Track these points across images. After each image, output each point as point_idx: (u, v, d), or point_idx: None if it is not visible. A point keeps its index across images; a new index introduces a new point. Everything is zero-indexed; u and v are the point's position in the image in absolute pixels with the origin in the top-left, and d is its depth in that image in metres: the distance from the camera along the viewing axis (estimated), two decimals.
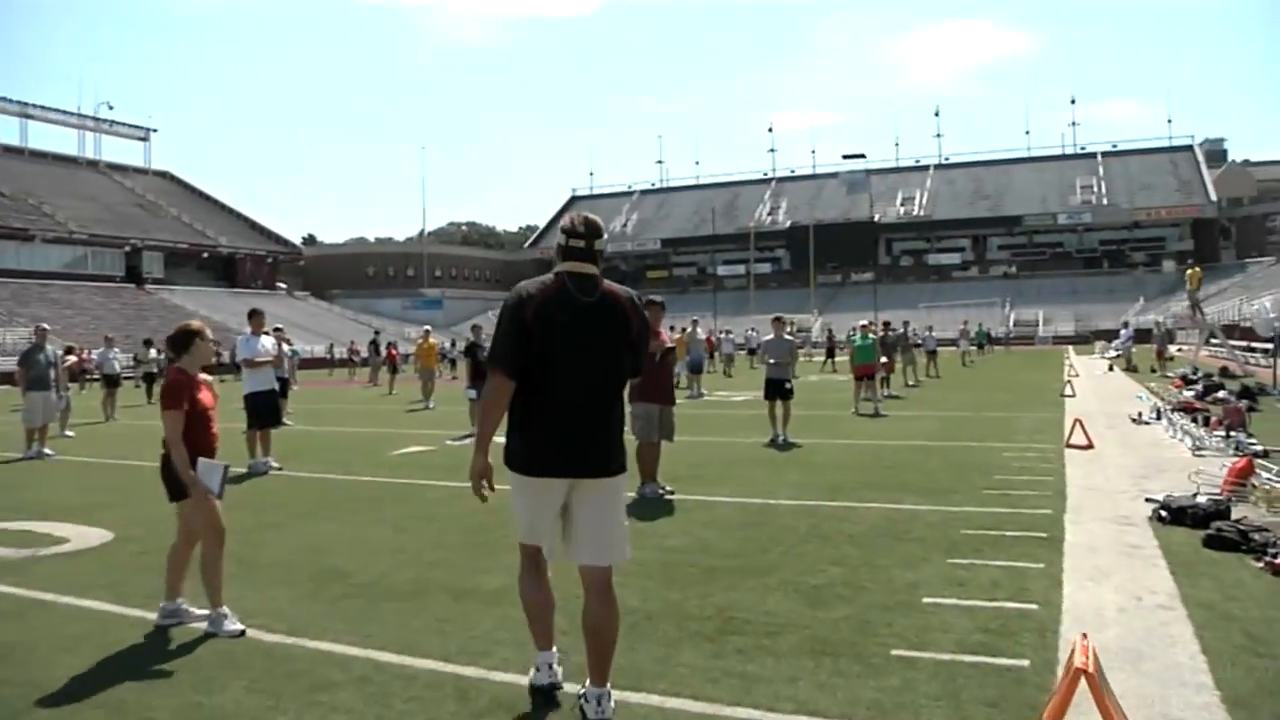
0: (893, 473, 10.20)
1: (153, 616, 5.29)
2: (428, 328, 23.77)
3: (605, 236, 4.09)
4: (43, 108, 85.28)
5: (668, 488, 9.08)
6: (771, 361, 13.66)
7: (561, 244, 4.00)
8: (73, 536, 7.57)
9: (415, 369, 22.64)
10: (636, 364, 4.06)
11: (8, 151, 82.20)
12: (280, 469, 11.19)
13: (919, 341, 29.33)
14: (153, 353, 26.06)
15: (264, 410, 11.17)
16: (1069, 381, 21.56)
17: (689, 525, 7.66)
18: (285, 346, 17.84)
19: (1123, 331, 33.71)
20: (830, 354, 38.10)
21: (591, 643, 3.84)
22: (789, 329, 14.48)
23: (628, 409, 4.47)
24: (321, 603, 5.62)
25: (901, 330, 26.37)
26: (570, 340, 3.81)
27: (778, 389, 13.48)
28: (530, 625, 4.11)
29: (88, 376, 26.28)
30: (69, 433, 16.50)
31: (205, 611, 5.14)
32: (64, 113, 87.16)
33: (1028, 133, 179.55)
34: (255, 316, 11.31)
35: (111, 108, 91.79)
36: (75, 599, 5.76)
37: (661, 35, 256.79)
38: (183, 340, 5.43)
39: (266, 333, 11.94)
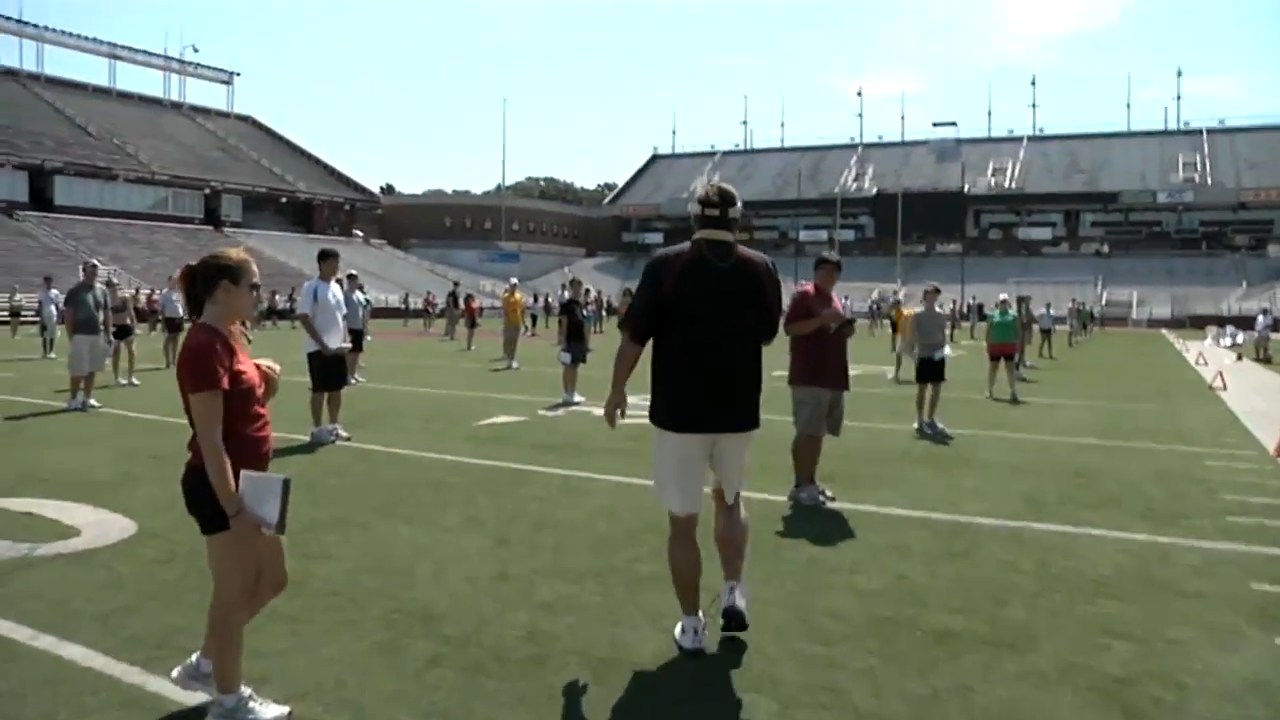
0: (1090, 483, 8.24)
1: (156, 684, 3.60)
2: (514, 280, 21.90)
3: (740, 204, 4.20)
4: (130, 49, 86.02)
5: (828, 492, 7.25)
6: (923, 339, 11.75)
7: (697, 213, 4.16)
8: (85, 526, 5.98)
9: (503, 323, 20.90)
10: (771, 328, 4.29)
11: (96, 91, 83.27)
12: (349, 439, 9.57)
13: (1034, 319, 26.91)
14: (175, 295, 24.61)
15: (330, 371, 9.52)
16: (1219, 374, 19.16)
17: (875, 554, 5.82)
18: (358, 295, 16.32)
19: (1260, 319, 30.73)
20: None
21: (724, 550, 4.27)
22: (939, 301, 12.49)
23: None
24: (399, 674, 3.86)
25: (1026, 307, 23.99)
26: (709, 304, 4.02)
27: (931, 369, 11.55)
28: (678, 590, 4.17)
29: (157, 318, 25.19)
30: (135, 380, 15.13)
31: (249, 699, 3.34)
32: (150, 54, 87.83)
33: (1128, 106, 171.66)
34: (326, 260, 9.58)
35: (196, 50, 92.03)
36: (55, 641, 4.08)
37: None
38: (211, 276, 3.39)
39: (339, 280, 10.60)
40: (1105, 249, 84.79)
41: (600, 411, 4.56)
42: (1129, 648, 4.28)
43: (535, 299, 41.24)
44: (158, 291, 45.71)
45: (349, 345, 9.61)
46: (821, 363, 7.14)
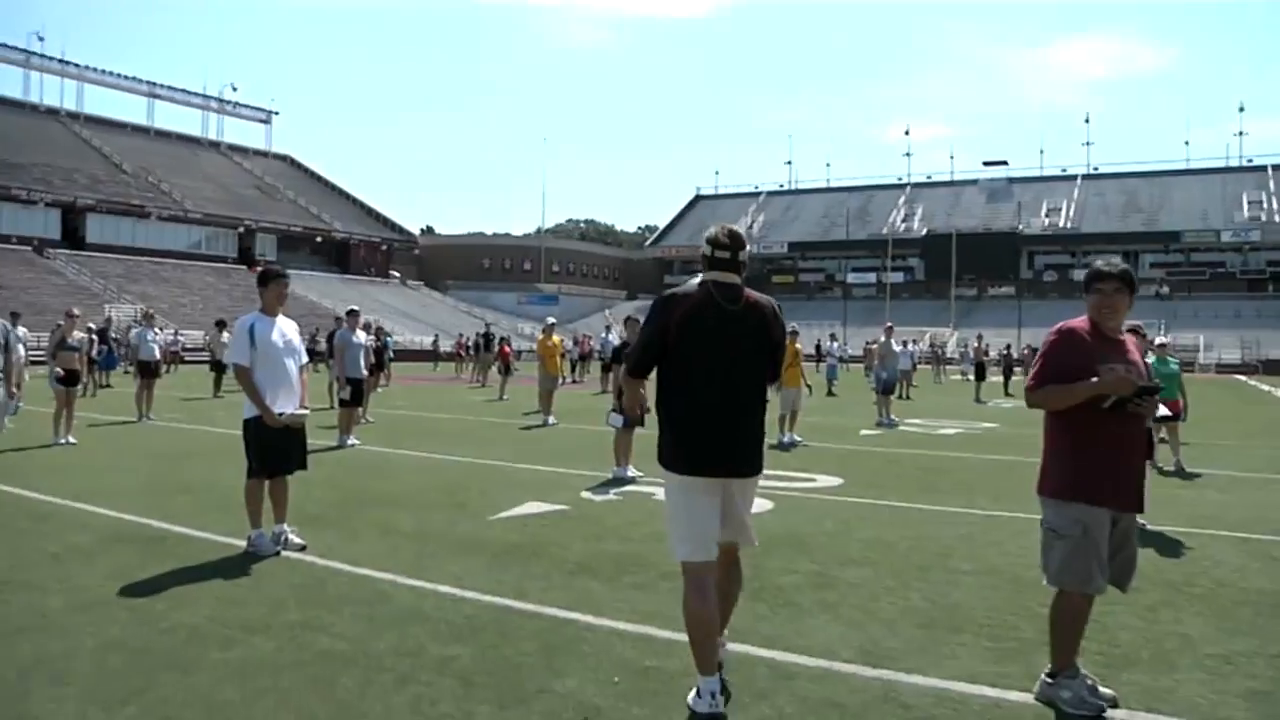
0: None
1: None
2: (551, 320, 18.46)
3: (749, 248, 4.22)
4: (169, 88, 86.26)
5: (1103, 690, 4.06)
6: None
7: (707, 254, 4.10)
8: None
9: (538, 371, 17.65)
10: (775, 370, 4.23)
11: (134, 130, 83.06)
12: (303, 547, 6.48)
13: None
14: (225, 336, 21.19)
15: (276, 448, 6.35)
16: None
17: None
18: (360, 335, 13.56)
19: None
20: (1007, 373, 31.81)
21: (721, 603, 4.12)
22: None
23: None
24: None
25: None
26: (718, 346, 3.97)
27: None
28: (695, 648, 3.93)
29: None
30: (72, 438, 12.31)
31: None
32: (189, 93, 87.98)
33: (1186, 144, 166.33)
34: (269, 284, 6.63)
35: (235, 89, 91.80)
36: None
37: (786, 38, 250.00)
38: None
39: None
40: (1166, 290, 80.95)
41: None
42: None
43: (575, 343, 38.16)
44: (179, 333, 43.73)
45: (305, 411, 6.56)
46: (1099, 461, 4.00)
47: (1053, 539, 4.05)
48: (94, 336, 23.98)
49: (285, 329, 6.65)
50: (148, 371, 15.87)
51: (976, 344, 28.58)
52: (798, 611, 5.34)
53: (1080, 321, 4.16)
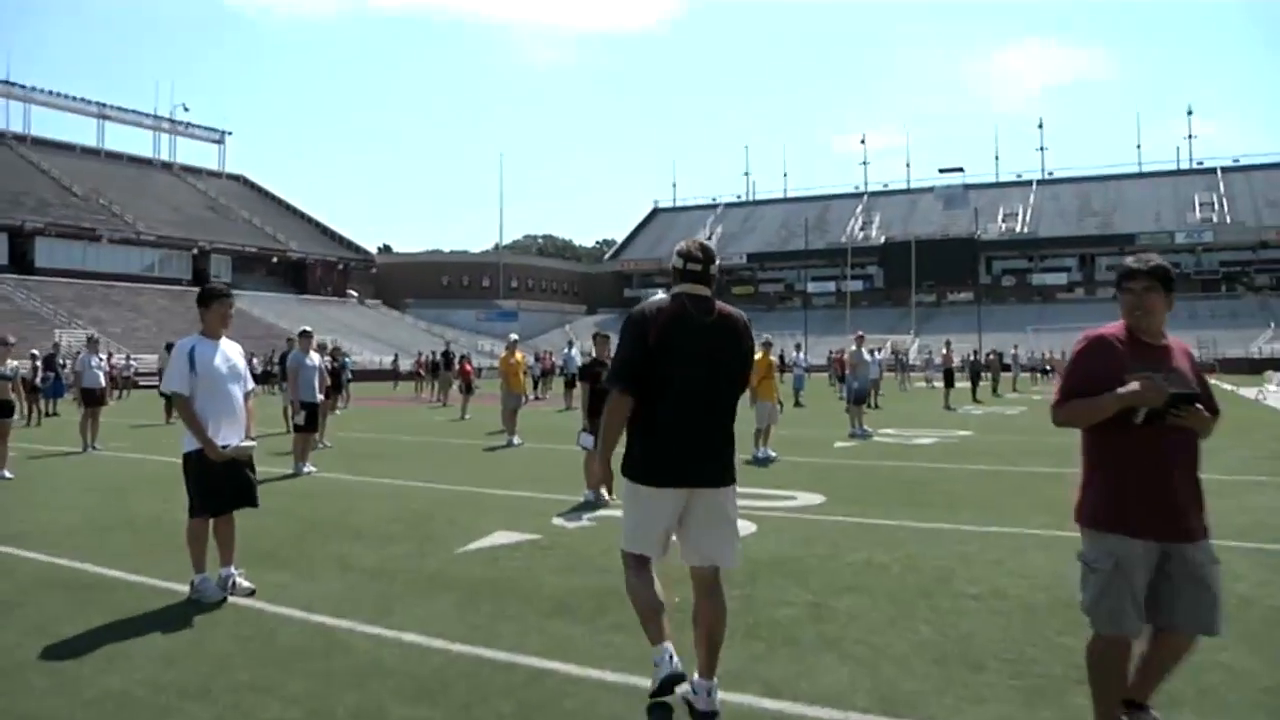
0: None
1: None
2: (514, 337, 17.87)
3: (719, 261, 4.29)
4: (119, 109, 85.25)
5: None
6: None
7: (679, 267, 4.15)
8: None
9: (500, 390, 17.05)
10: (743, 382, 4.23)
11: (84, 152, 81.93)
12: (251, 591, 5.93)
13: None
14: None
15: (219, 484, 5.79)
16: None
17: None
18: (314, 357, 12.99)
19: None
20: (974, 378, 31.61)
21: (702, 638, 4.05)
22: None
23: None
24: None
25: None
26: (691, 358, 3.99)
27: None
28: (644, 624, 4.10)
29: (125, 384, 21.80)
30: (7, 473, 11.60)
31: None
32: (140, 114, 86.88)
33: (1138, 148, 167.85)
34: (210, 303, 6.10)
35: (187, 109, 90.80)
36: None
37: (740, 48, 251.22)
38: None
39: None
40: None
41: None
42: None
43: (536, 359, 37.58)
44: (132, 358, 42.65)
45: (251, 443, 6.01)
46: (1135, 485, 3.55)
47: (1085, 572, 3.61)
48: (38, 364, 23.15)
49: (229, 352, 6.10)
50: (92, 399, 15.13)
51: (945, 350, 28.34)
52: (799, 650, 4.88)
53: (1113, 327, 3.71)
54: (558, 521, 8.52)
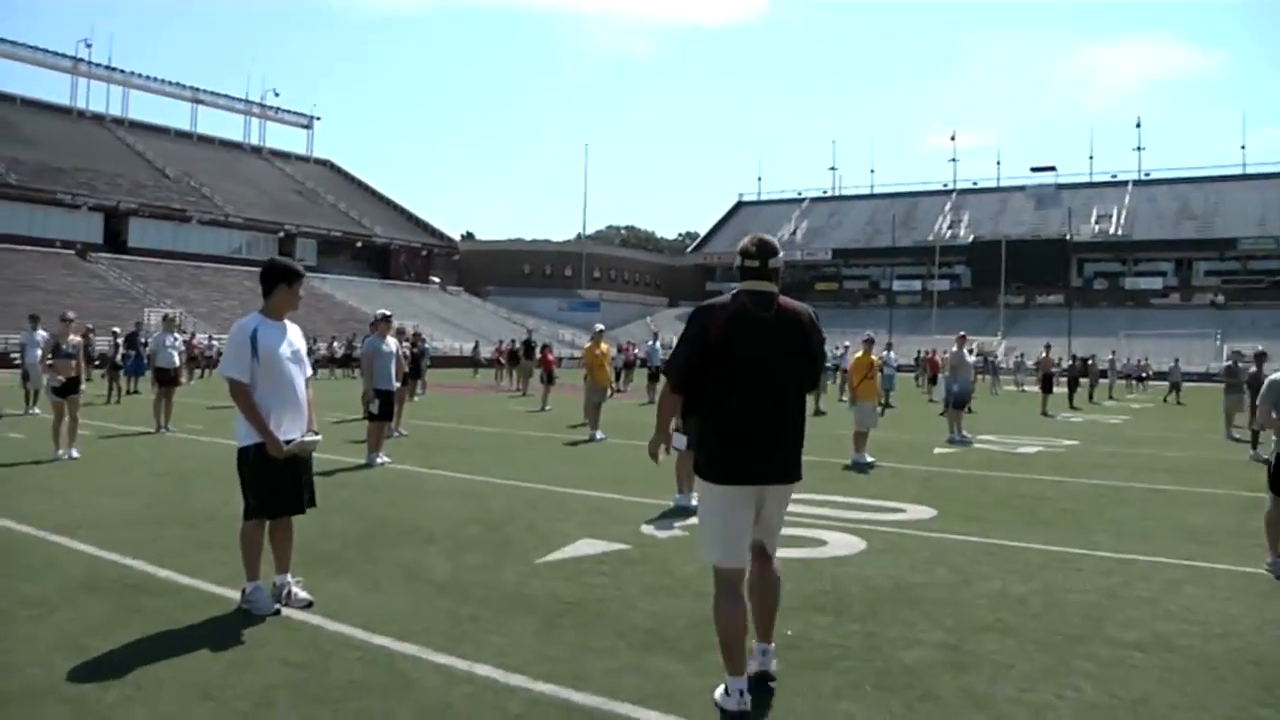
0: None
1: None
2: (600, 327, 16.87)
3: (781, 254, 4.19)
4: (212, 93, 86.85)
5: None
6: None
7: (739, 265, 4.16)
8: None
9: (585, 382, 16.35)
10: (814, 376, 4.26)
11: (177, 135, 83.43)
12: (309, 603, 5.31)
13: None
14: None
15: (280, 483, 5.22)
16: None
17: None
18: (390, 342, 12.46)
19: None
20: (1073, 385, 30.09)
21: (755, 608, 4.19)
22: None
23: None
24: None
25: (1237, 363, 19.00)
26: (754, 354, 3.99)
27: None
28: (725, 650, 3.99)
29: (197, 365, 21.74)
30: (75, 452, 11.26)
31: None
32: (232, 99, 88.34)
33: (1243, 148, 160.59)
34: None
35: (278, 94, 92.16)
36: None
37: (829, 44, 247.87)
38: None
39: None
40: (1221, 299, 78.51)
41: None
42: None
43: (619, 350, 36.95)
44: (214, 338, 43.04)
45: (317, 437, 5.39)
46: None
47: None
48: (119, 342, 23.19)
49: (293, 336, 5.48)
50: (166, 379, 14.80)
51: (1044, 354, 26.96)
52: (942, 709, 4.07)
53: None
54: (647, 529, 7.79)
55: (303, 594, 5.32)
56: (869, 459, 12.79)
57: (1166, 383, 36.41)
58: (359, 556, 6.52)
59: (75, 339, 11.60)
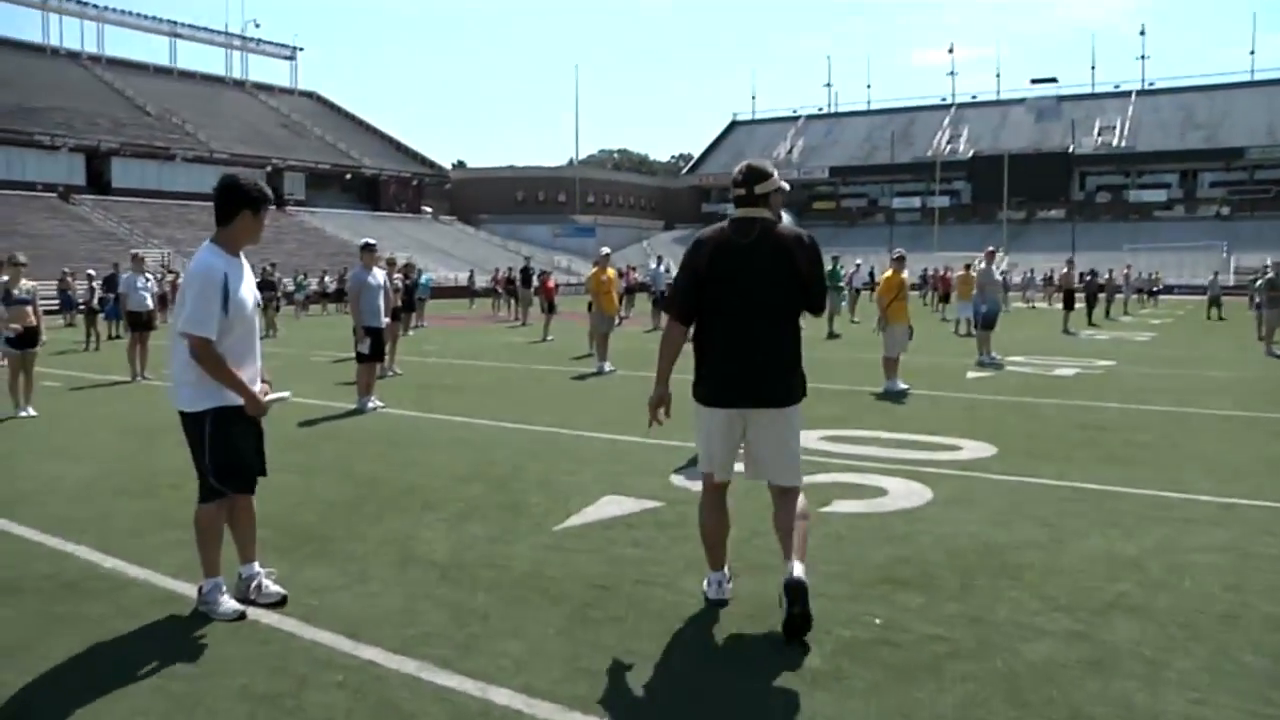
0: None
1: None
2: (606, 251, 15.93)
3: (774, 177, 4.13)
4: (191, 27, 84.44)
5: None
6: None
7: (731, 196, 4.21)
8: None
9: (590, 310, 15.24)
10: (811, 300, 4.14)
11: (156, 71, 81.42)
12: (280, 600, 4.34)
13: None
14: None
15: (248, 450, 4.29)
16: None
17: None
18: (377, 275, 11.35)
19: None
20: (1090, 301, 28.87)
21: (785, 537, 4.04)
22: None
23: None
24: None
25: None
26: (732, 281, 4.02)
27: None
28: (707, 550, 4.28)
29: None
30: (32, 409, 10.18)
31: None
32: (212, 31, 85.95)
33: (1251, 54, 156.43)
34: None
35: (259, 26, 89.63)
36: None
37: None
38: None
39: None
40: (1227, 211, 77.04)
41: None
42: None
43: (620, 275, 35.76)
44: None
45: (287, 393, 4.39)
46: None
47: None
48: (95, 285, 22.05)
49: (249, 278, 4.42)
50: (139, 324, 13.60)
51: (1066, 269, 25.82)
52: None
53: None
54: (677, 480, 6.78)
55: (274, 587, 4.33)
56: (902, 385, 11.82)
57: (1205, 297, 34.55)
58: (343, 532, 5.52)
59: (28, 284, 10.43)
